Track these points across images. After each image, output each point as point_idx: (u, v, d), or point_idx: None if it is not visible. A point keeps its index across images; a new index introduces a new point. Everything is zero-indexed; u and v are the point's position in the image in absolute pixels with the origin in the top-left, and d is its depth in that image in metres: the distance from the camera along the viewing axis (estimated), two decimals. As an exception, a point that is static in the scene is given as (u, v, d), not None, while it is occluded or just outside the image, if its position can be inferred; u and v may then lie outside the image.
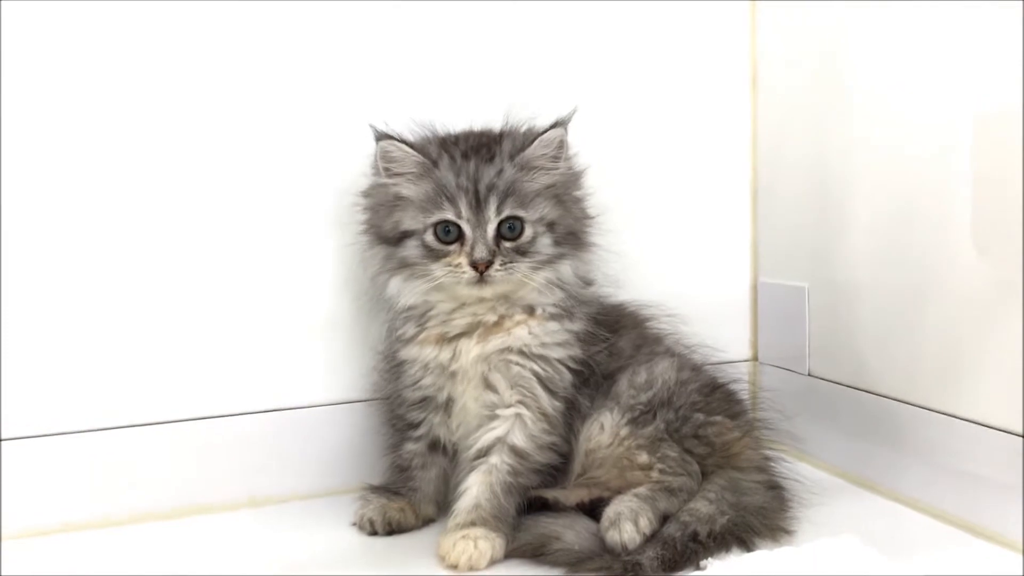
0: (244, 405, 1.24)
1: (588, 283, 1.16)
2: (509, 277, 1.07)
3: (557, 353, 1.10)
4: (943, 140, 1.11)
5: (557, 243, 1.10)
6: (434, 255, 1.08)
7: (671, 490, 1.06)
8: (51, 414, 1.16)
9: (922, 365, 1.16)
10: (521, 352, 1.09)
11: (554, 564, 1.00)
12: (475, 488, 1.06)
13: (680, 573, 0.96)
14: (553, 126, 1.11)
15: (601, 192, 1.35)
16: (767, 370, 1.45)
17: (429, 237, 1.08)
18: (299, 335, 1.26)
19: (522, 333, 1.09)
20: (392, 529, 1.12)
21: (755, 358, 1.48)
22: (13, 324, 1.14)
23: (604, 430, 1.09)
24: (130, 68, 1.17)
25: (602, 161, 1.36)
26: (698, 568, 0.96)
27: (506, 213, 1.07)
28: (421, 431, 1.15)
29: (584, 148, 1.33)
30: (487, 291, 1.08)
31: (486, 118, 1.18)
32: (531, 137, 1.10)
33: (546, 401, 1.09)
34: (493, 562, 1.02)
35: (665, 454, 1.08)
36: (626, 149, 1.40)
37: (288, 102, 1.24)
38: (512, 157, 1.09)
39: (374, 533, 1.12)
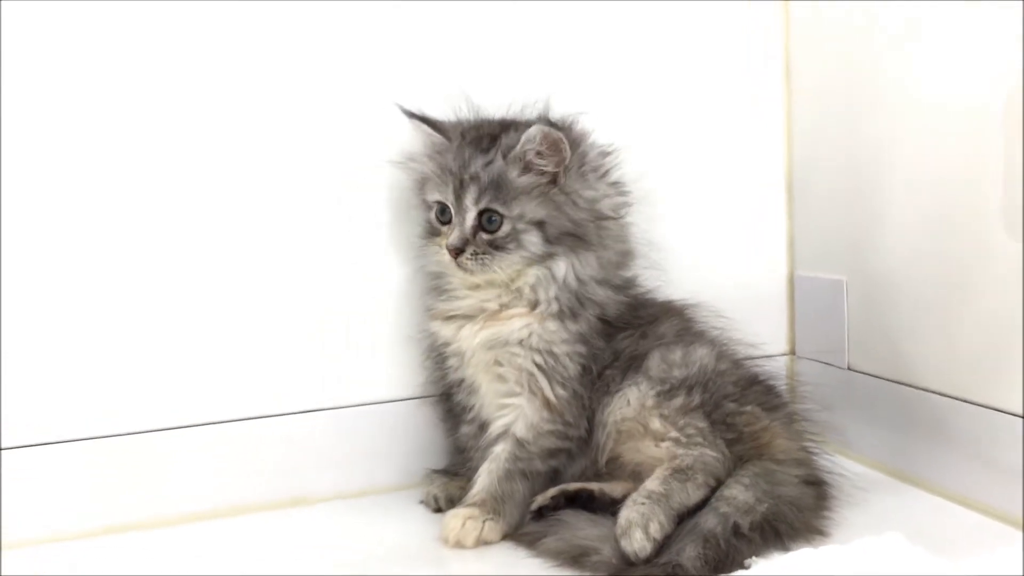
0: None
1: (601, 283, 1.15)
2: (482, 268, 1.10)
3: (559, 349, 1.12)
4: (978, 130, 1.10)
5: (549, 242, 1.11)
6: (434, 231, 1.16)
7: (684, 470, 1.04)
8: (58, 420, 1.16)
9: (963, 357, 1.15)
10: (521, 344, 1.12)
11: (594, 573, 0.99)
12: (483, 475, 1.12)
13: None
14: (536, 122, 1.10)
15: (634, 187, 1.37)
16: (805, 364, 1.44)
17: (433, 215, 1.15)
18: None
19: (519, 325, 1.12)
20: (455, 504, 1.15)
21: (792, 352, 1.47)
22: (16, 329, 1.13)
23: (631, 404, 1.10)
24: (132, 65, 1.16)
25: (637, 156, 1.37)
26: (743, 567, 0.95)
27: (483, 205, 1.09)
28: (472, 413, 1.19)
29: (619, 143, 1.34)
30: (471, 278, 1.12)
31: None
32: (522, 133, 1.10)
33: (549, 391, 1.11)
34: (483, 542, 1.08)
35: (689, 423, 1.07)
36: (661, 144, 1.40)
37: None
38: (506, 151, 1.10)
39: (438, 509, 1.19)
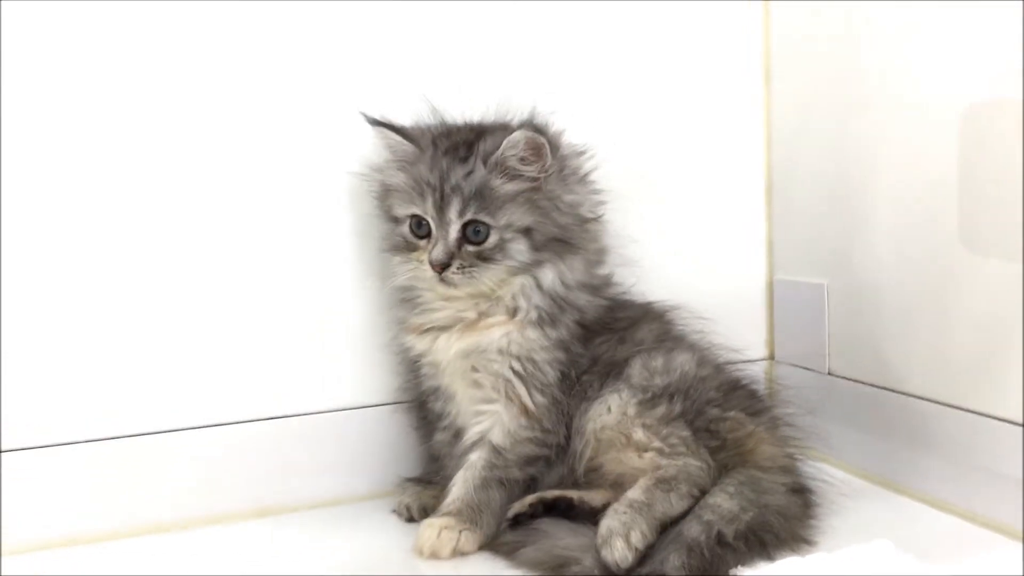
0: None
1: (583, 287, 1.12)
2: (470, 281, 1.07)
3: (538, 356, 1.09)
4: (962, 132, 1.09)
5: (536, 249, 1.08)
6: (409, 246, 1.10)
7: (668, 480, 1.02)
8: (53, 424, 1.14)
9: (947, 362, 1.14)
10: (500, 351, 1.09)
11: None
12: (459, 484, 1.09)
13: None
14: (519, 127, 1.06)
15: (610, 189, 1.35)
16: (785, 369, 1.42)
17: (406, 228, 1.10)
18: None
19: (498, 334, 1.09)
20: (428, 514, 1.12)
21: (772, 357, 1.46)
22: (13, 332, 1.11)
23: (611, 411, 1.07)
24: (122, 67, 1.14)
25: (612, 157, 1.35)
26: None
27: (469, 217, 1.06)
28: (447, 421, 1.16)
29: (594, 143, 1.33)
30: (452, 291, 1.08)
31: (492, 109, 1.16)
32: (501, 139, 1.06)
33: (527, 398, 1.09)
34: (459, 552, 1.05)
35: (672, 433, 1.04)
36: (636, 145, 1.38)
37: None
38: (485, 159, 1.06)
39: (411, 519, 1.16)
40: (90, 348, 1.15)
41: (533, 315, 1.09)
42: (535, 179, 1.07)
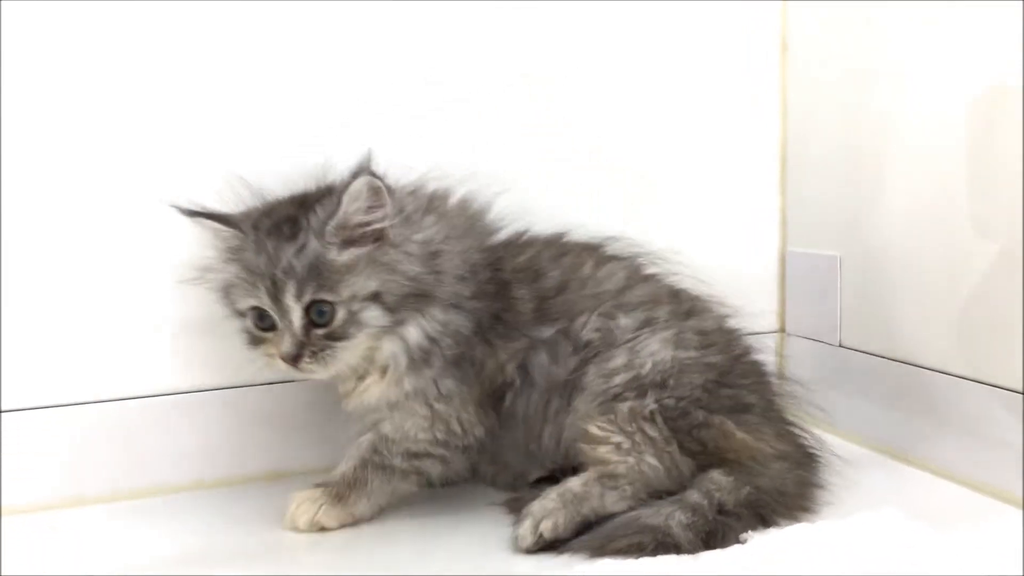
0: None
1: (452, 315, 1.02)
2: (331, 363, 0.98)
3: (428, 389, 1.03)
4: (979, 105, 1.09)
5: (392, 310, 0.99)
6: (257, 340, 1.01)
7: (613, 477, 0.98)
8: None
9: (960, 334, 1.14)
10: (389, 406, 1.04)
11: (578, 550, 0.95)
12: (342, 461, 1.07)
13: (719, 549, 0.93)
14: (354, 177, 0.97)
15: (623, 160, 1.34)
16: (795, 341, 1.42)
17: (249, 323, 1.01)
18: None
19: (375, 394, 1.03)
20: None
21: (783, 329, 1.45)
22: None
23: (578, 411, 1.03)
24: None
25: (626, 127, 1.35)
26: (739, 542, 0.93)
27: (308, 298, 0.96)
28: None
29: (610, 112, 1.32)
30: (316, 376, 1.00)
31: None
32: (337, 199, 0.97)
33: (427, 410, 1.04)
34: (317, 525, 1.03)
35: (639, 430, 0.99)
36: (651, 117, 1.37)
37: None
38: (320, 229, 0.97)
39: None
40: None
41: (402, 367, 1.01)
42: (378, 231, 0.98)
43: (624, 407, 1.00)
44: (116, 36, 1.13)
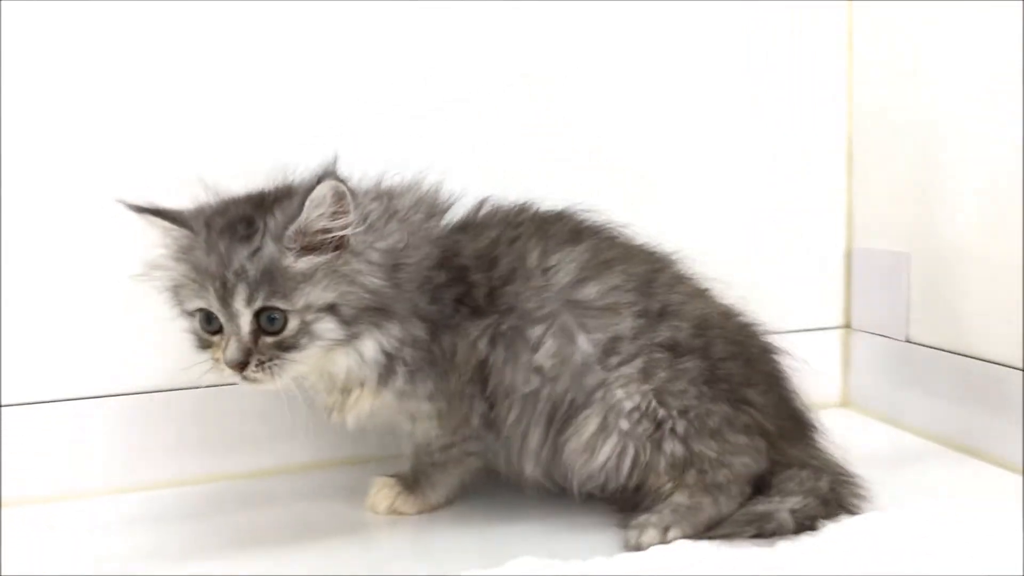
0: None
1: (414, 341, 0.99)
2: (277, 375, 0.93)
3: (412, 400, 1.02)
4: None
5: (348, 323, 0.94)
6: (204, 344, 0.97)
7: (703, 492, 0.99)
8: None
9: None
10: (387, 412, 1.04)
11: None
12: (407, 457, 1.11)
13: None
14: (320, 180, 0.91)
15: (686, 155, 1.36)
16: (861, 336, 1.43)
17: (196, 324, 0.96)
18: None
19: (366, 406, 1.02)
20: None
21: (848, 325, 1.46)
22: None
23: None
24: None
25: (691, 122, 1.37)
26: (813, 529, 0.95)
27: (259, 304, 0.91)
28: None
29: (677, 108, 1.34)
30: (262, 387, 0.95)
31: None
32: (299, 202, 0.92)
33: (426, 421, 1.05)
34: (395, 511, 1.08)
35: (685, 468, 0.99)
36: (718, 111, 1.39)
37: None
38: (278, 233, 0.92)
39: None
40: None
41: (372, 382, 0.99)
42: (339, 238, 0.93)
43: (660, 466, 0.98)
44: (116, 36, 1.15)
